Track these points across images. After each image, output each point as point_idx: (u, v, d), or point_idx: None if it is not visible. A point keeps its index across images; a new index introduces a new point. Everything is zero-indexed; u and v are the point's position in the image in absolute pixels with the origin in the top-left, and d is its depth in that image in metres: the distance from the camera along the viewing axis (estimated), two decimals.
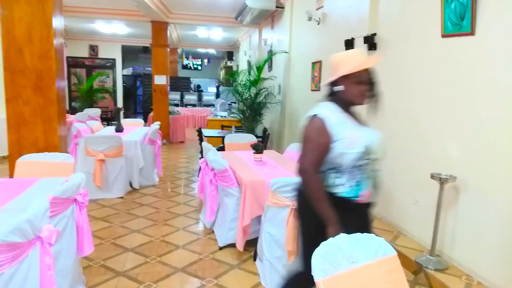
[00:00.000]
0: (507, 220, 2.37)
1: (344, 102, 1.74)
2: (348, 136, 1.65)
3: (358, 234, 1.47)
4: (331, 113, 1.69)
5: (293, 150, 3.75)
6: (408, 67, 3.31)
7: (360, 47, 3.87)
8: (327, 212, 1.63)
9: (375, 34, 3.72)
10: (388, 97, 3.48)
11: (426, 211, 3.02)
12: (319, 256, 1.33)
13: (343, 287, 1.30)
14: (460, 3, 2.68)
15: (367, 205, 1.78)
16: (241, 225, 2.89)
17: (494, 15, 2.46)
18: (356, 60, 1.68)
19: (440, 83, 2.93)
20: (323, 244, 1.38)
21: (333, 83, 1.74)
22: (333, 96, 1.76)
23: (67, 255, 2.09)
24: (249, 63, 6.68)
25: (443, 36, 2.87)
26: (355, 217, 1.74)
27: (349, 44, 4.09)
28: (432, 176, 2.75)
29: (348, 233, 1.48)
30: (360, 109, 1.80)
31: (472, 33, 2.63)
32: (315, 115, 1.70)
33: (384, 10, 3.68)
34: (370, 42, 3.70)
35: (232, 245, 3.10)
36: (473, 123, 2.63)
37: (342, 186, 1.69)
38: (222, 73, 14.01)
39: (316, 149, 1.66)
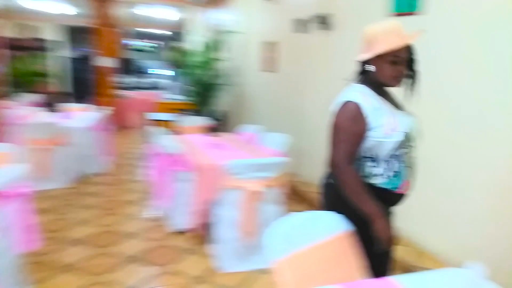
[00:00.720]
0: (453, 190, 2.55)
1: (377, 83, 1.52)
2: (386, 123, 1.46)
3: (313, 211, 1.50)
4: (365, 97, 1.48)
5: (250, 131, 3.74)
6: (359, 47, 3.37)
7: (313, 27, 3.89)
8: (369, 206, 1.43)
9: (329, 14, 3.74)
10: (338, 81, 3.58)
11: None
12: (272, 236, 1.33)
13: (301, 266, 1.32)
14: None
15: (402, 197, 1.57)
16: (197, 209, 2.86)
17: None
18: (396, 35, 1.43)
19: None
20: (277, 223, 1.39)
21: (366, 61, 1.52)
22: (364, 76, 1.55)
23: (2, 253, 1.95)
24: (202, 44, 6.51)
25: (395, 15, 2.94)
26: (392, 207, 1.58)
27: (301, 23, 4.10)
28: None
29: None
30: (395, 90, 1.59)
31: (422, 12, 2.70)
32: (348, 100, 1.48)
33: None
34: (324, 21, 3.72)
35: (187, 230, 3.07)
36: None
37: (380, 176, 1.50)
38: (173, 55, 13.54)
39: (350, 139, 1.46)
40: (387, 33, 1.45)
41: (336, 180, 1.52)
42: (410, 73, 1.54)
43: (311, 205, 3.70)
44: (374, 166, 1.51)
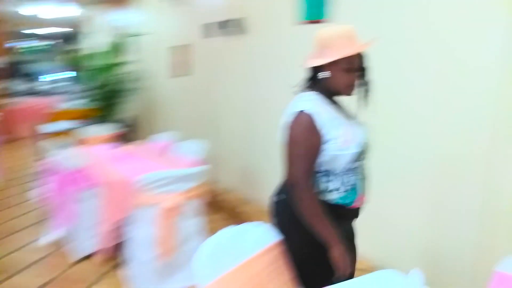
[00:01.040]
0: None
1: (329, 92, 1.43)
2: (341, 135, 1.36)
3: (241, 225, 1.38)
4: (319, 107, 1.37)
5: (163, 139, 3.48)
6: (274, 52, 3.37)
7: (226, 31, 3.80)
8: (328, 231, 1.32)
9: (242, 18, 3.67)
10: (261, 80, 3.54)
11: None
12: (200, 260, 1.18)
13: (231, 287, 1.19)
14: None
15: (357, 211, 1.48)
16: (106, 230, 2.53)
17: (348, 2, 2.63)
18: (351, 41, 1.35)
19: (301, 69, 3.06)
20: (205, 244, 1.24)
21: (317, 67, 1.41)
22: (316, 84, 1.44)
23: None
24: (104, 45, 5.98)
25: (305, 22, 2.98)
26: (348, 225, 1.50)
27: (213, 27, 3.98)
28: None
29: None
30: (344, 99, 1.49)
31: (330, 19, 2.78)
32: (300, 111, 1.36)
33: None
34: (236, 26, 3.65)
35: (95, 255, 2.71)
36: None
37: (336, 192, 1.40)
38: (70, 57, 12.35)
39: (307, 154, 1.34)
40: (342, 38, 1.35)
41: (291, 197, 1.38)
42: (363, 81, 1.45)
43: (229, 214, 3.58)
44: (330, 181, 1.39)
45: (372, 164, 1.55)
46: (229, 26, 3.71)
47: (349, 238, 1.48)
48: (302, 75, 3.19)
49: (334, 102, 1.46)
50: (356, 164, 1.41)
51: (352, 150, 1.37)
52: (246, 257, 1.26)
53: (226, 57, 3.95)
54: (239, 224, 1.36)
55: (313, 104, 1.38)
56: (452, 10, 2.05)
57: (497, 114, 1.90)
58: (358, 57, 1.39)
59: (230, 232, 1.32)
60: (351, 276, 1.43)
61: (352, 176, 1.40)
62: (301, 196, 1.34)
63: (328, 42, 1.36)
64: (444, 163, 2.16)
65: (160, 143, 3.42)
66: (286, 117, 1.43)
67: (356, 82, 1.41)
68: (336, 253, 1.32)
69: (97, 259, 2.69)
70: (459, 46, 2.03)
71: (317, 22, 2.86)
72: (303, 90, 1.48)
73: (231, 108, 3.94)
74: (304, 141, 1.34)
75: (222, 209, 3.69)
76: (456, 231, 2.11)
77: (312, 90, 1.44)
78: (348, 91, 1.40)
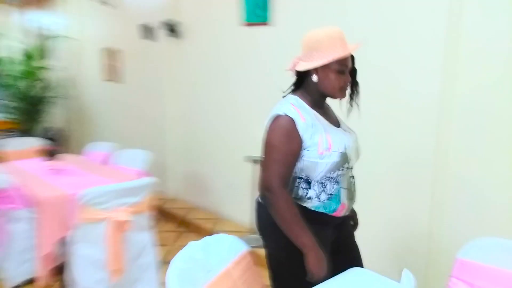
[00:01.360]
0: None
1: (318, 96, 1.38)
2: (320, 142, 1.31)
3: (208, 237, 1.33)
4: (301, 112, 1.32)
5: (101, 150, 3.24)
6: (214, 55, 3.33)
7: (160, 34, 3.67)
8: (303, 236, 1.27)
9: (177, 22, 3.57)
10: (202, 84, 3.47)
11: (243, 193, 3.17)
12: (174, 277, 1.11)
13: None
14: None
15: (341, 219, 1.44)
16: (43, 253, 2.28)
17: (288, 6, 2.70)
18: (341, 42, 1.31)
19: (250, 71, 3.06)
20: (175, 260, 1.17)
21: (306, 71, 1.36)
22: (303, 87, 1.40)
23: None
24: (21, 50, 5.42)
25: (246, 25, 2.98)
26: (330, 230, 1.43)
27: (147, 30, 3.82)
28: (246, 158, 2.89)
29: (325, 250, 1.28)
30: (332, 103, 1.46)
31: (270, 23, 2.82)
32: (281, 114, 1.32)
33: None
34: (172, 29, 3.54)
35: (31, 282, 2.43)
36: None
37: (314, 200, 1.35)
38: None
39: (283, 159, 1.29)
40: (332, 40, 1.31)
41: (266, 202, 1.35)
42: (353, 83, 1.43)
43: (179, 223, 3.47)
44: (307, 188, 1.36)
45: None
46: (164, 29, 3.60)
47: (337, 240, 1.46)
48: (245, 78, 3.20)
49: (322, 107, 1.43)
50: (339, 172, 1.35)
51: (332, 158, 1.31)
52: (220, 269, 1.22)
53: (162, 61, 3.83)
54: (191, 232, 1.30)
55: (294, 108, 1.33)
56: (395, 12, 2.18)
57: (440, 118, 2.04)
58: (350, 59, 1.36)
59: (198, 246, 1.26)
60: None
61: (331, 185, 1.35)
62: (274, 200, 1.30)
63: (317, 45, 1.31)
64: (396, 164, 2.28)
65: (99, 154, 3.19)
66: (267, 120, 1.39)
67: (348, 84, 1.38)
68: (311, 258, 1.27)
69: (36, 285, 2.42)
70: (403, 49, 2.16)
71: (259, 24, 2.89)
72: (290, 93, 1.44)
73: (173, 113, 3.82)
74: (282, 145, 1.30)
75: (171, 218, 3.56)
76: (410, 227, 2.25)
77: (300, 93, 1.40)
78: (340, 94, 1.38)
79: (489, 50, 1.83)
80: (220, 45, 3.28)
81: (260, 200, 1.45)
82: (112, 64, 4.61)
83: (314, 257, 1.27)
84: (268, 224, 1.38)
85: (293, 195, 1.36)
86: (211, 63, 3.39)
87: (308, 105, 1.37)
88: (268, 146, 1.33)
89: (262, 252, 1.46)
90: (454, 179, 2.00)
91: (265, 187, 1.32)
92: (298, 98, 1.39)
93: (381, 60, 2.23)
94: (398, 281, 1.15)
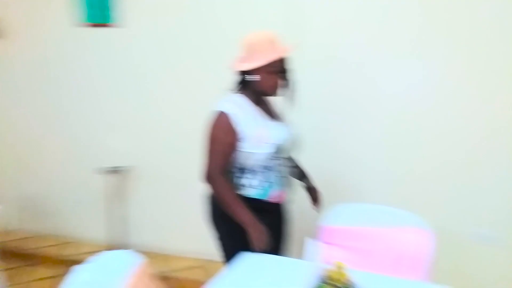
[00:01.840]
0: (181, 198, 2.72)
1: (257, 93, 1.54)
2: (256, 135, 1.46)
3: (96, 257, 1.20)
4: (238, 108, 1.48)
5: None
6: (44, 57, 2.88)
7: None
8: (243, 214, 1.44)
9: None
10: (34, 90, 2.93)
11: (95, 208, 2.91)
12: None
13: None
14: None
15: (279, 205, 1.63)
16: None
17: (138, 7, 2.58)
18: (274, 45, 1.46)
19: (95, 74, 2.80)
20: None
21: (245, 70, 1.49)
22: (243, 86, 1.54)
23: None
24: None
25: (87, 25, 2.71)
26: (266, 216, 1.52)
27: None
28: (103, 170, 2.68)
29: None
30: (275, 100, 1.60)
31: (117, 24, 2.64)
32: (220, 110, 1.47)
33: None
34: None
35: None
36: (134, 112, 2.75)
37: (251, 188, 1.52)
38: None
39: (221, 151, 1.47)
40: (265, 43, 1.46)
41: (210, 191, 1.53)
42: (287, 82, 1.56)
43: (22, 257, 2.88)
44: (245, 177, 1.51)
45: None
46: None
47: (274, 227, 1.58)
48: (89, 83, 2.92)
49: (261, 103, 1.57)
50: (273, 162, 1.51)
51: (265, 149, 1.47)
52: (120, 286, 1.13)
53: None
54: (37, 264, 1.16)
55: (232, 105, 1.48)
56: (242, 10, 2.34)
57: None
58: (282, 60, 1.49)
59: (88, 269, 1.14)
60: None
61: (267, 173, 1.52)
62: (215, 187, 1.48)
63: (253, 48, 1.46)
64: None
65: None
66: (208, 117, 1.50)
67: (280, 83, 1.52)
68: (252, 233, 1.42)
69: None
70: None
71: (101, 25, 2.68)
72: (231, 92, 1.57)
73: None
74: (220, 138, 1.46)
75: (9, 253, 2.90)
76: None
77: (240, 90, 1.55)
78: (273, 92, 1.53)
79: None
80: (51, 46, 2.87)
81: (207, 193, 1.61)
82: None
83: (254, 232, 1.42)
84: (214, 215, 1.60)
85: (233, 184, 1.53)
86: (41, 66, 2.93)
87: (247, 101, 1.53)
88: (208, 139, 1.49)
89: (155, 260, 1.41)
90: None
91: (206, 177, 1.49)
92: (238, 95, 1.54)
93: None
94: None
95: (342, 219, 1.61)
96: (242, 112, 1.48)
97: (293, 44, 1.51)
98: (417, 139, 2.17)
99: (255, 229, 1.43)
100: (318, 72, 2.17)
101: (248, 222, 1.43)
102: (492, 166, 2.06)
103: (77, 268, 1.11)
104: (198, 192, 2.53)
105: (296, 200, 1.74)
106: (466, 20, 1.99)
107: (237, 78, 1.57)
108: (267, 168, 1.52)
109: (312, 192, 1.78)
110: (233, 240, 1.52)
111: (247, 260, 1.44)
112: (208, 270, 2.57)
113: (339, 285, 0.87)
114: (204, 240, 2.64)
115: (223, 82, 2.37)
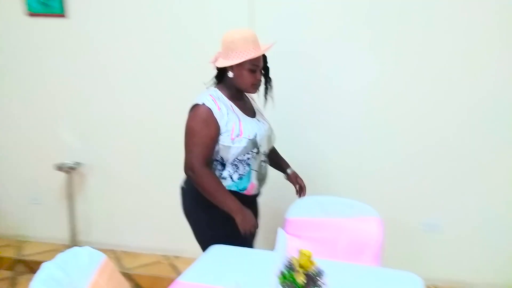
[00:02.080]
0: (136, 192, 2.70)
1: (235, 89, 1.57)
2: (233, 129, 1.50)
3: (61, 254, 1.18)
4: (217, 102, 1.51)
5: None
6: None
7: None
8: (229, 202, 1.50)
9: None
10: None
11: (54, 206, 2.80)
12: None
13: None
14: None
15: (252, 197, 1.68)
16: None
17: None
18: (253, 44, 1.49)
19: (44, 67, 2.65)
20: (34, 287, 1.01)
21: (224, 67, 1.53)
22: (223, 80, 1.58)
23: None
24: None
25: (30, 15, 2.57)
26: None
27: None
28: (58, 167, 2.58)
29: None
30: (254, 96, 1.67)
31: (63, 15, 2.54)
32: (199, 104, 1.49)
33: None
34: None
35: None
36: (88, 108, 2.66)
37: (228, 179, 1.55)
38: None
39: (203, 143, 1.48)
40: (245, 42, 1.48)
41: (189, 184, 1.57)
42: (265, 81, 1.64)
43: None
44: (222, 170, 1.56)
45: None
46: None
47: None
48: (39, 75, 2.80)
49: (239, 99, 1.61)
50: (249, 156, 1.54)
51: (242, 143, 1.51)
52: (86, 282, 1.12)
53: None
54: None
55: (211, 99, 1.51)
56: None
57: None
58: (261, 59, 1.55)
59: (54, 265, 1.12)
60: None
61: (246, 166, 1.56)
62: (198, 178, 1.49)
63: (233, 45, 1.48)
64: None
65: None
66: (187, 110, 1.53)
67: (260, 81, 1.57)
68: (238, 218, 1.48)
69: None
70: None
71: (47, 16, 2.56)
72: (210, 86, 1.60)
73: None
74: (200, 131, 1.48)
75: None
76: None
77: (220, 86, 1.59)
78: (252, 89, 1.57)
79: None
80: None
81: (184, 186, 1.65)
82: None
83: (241, 217, 1.49)
84: (192, 206, 1.63)
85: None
86: None
87: (226, 96, 1.56)
88: (189, 131, 1.51)
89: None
90: None
91: (188, 168, 1.51)
92: (217, 90, 1.57)
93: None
94: None
95: (303, 211, 1.71)
96: (221, 107, 1.51)
97: (270, 43, 1.56)
98: (374, 134, 2.27)
99: (243, 214, 1.50)
100: (281, 68, 2.22)
101: (236, 209, 1.49)
102: (440, 164, 2.22)
103: (43, 266, 1.09)
104: (154, 188, 2.57)
105: (262, 193, 1.78)
106: (422, 17, 2.09)
107: (215, 73, 1.62)
108: (243, 162, 1.55)
109: (293, 180, 1.81)
110: (213, 230, 1.58)
111: (217, 252, 1.47)
112: (165, 265, 2.57)
113: (307, 271, 0.93)
114: (161, 237, 2.68)
115: (177, 77, 2.42)
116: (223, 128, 1.51)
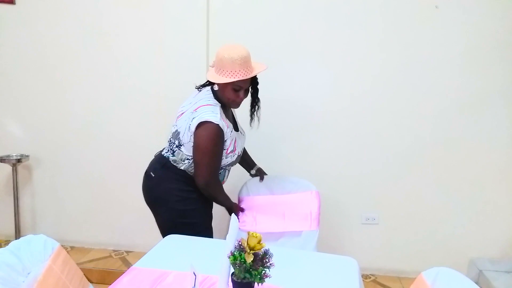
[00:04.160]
0: (85, 187, 2.66)
1: (221, 102, 1.64)
2: (229, 146, 1.65)
3: (15, 241, 1.19)
4: (222, 118, 1.59)
5: None
6: None
7: None
8: (229, 201, 1.80)
9: None
10: None
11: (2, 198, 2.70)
12: None
13: None
14: None
15: None
16: None
17: None
18: (243, 66, 1.53)
19: None
20: None
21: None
22: (214, 92, 1.65)
23: None
24: None
25: None
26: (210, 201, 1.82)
27: None
28: (2, 160, 2.48)
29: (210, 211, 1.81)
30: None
31: (12, 2, 2.46)
32: (212, 122, 1.55)
33: None
34: None
35: None
36: (37, 97, 2.59)
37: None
38: None
39: (217, 160, 1.64)
40: (233, 63, 1.52)
41: (165, 173, 1.71)
42: (252, 100, 1.75)
43: None
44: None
45: None
46: None
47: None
48: None
49: (228, 109, 1.72)
50: (231, 163, 1.74)
51: (232, 159, 1.71)
52: (40, 268, 1.14)
53: None
54: None
55: (218, 116, 1.57)
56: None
57: None
58: (248, 80, 1.61)
59: (7, 251, 1.12)
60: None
61: (222, 170, 1.76)
62: (214, 191, 1.70)
63: (221, 64, 1.55)
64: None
65: None
66: (192, 123, 1.58)
67: (241, 99, 1.63)
68: (234, 209, 1.80)
69: None
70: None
71: (2, 2, 2.46)
72: (206, 95, 1.65)
73: None
74: (216, 151, 1.61)
75: None
76: None
77: (214, 92, 1.64)
78: (233, 105, 1.69)
79: None
80: None
81: (153, 174, 1.73)
82: None
83: (236, 209, 1.82)
84: (161, 195, 1.72)
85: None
86: None
87: (222, 111, 1.63)
88: (202, 151, 1.59)
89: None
90: None
91: (205, 183, 1.64)
92: (217, 104, 1.62)
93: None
94: None
95: (254, 190, 1.97)
96: (225, 124, 1.61)
97: (262, 67, 1.63)
98: (326, 134, 2.43)
99: (236, 208, 1.85)
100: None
101: (233, 206, 1.82)
102: (382, 163, 2.41)
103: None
104: (103, 183, 2.54)
105: None
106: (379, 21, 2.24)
107: (208, 83, 1.72)
108: (223, 167, 1.74)
109: (260, 173, 2.03)
110: (187, 219, 1.71)
111: (172, 241, 1.53)
112: (116, 260, 2.57)
113: (256, 252, 1.02)
114: (111, 232, 2.65)
115: (126, 69, 2.42)
116: (225, 145, 1.65)
